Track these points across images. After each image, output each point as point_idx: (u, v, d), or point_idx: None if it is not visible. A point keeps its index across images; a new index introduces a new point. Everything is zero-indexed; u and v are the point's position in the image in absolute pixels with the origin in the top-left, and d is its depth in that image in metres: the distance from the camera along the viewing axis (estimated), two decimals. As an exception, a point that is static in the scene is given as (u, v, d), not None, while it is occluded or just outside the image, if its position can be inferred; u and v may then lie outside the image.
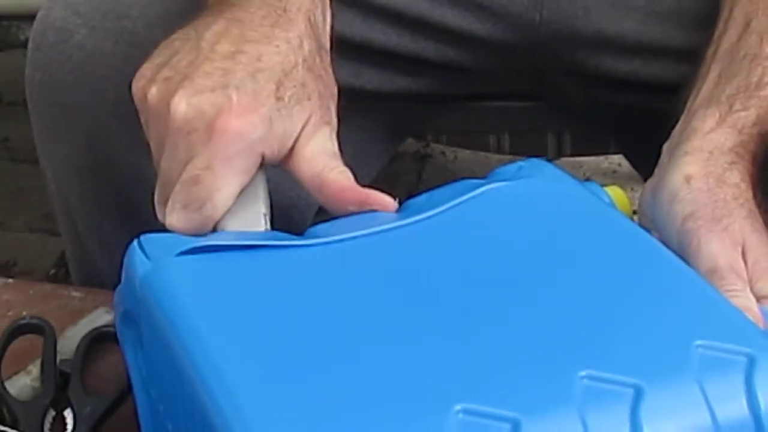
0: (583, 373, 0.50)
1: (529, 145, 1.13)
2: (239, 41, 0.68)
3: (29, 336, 0.73)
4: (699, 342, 0.52)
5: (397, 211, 0.66)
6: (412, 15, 0.88)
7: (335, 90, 0.71)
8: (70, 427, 0.69)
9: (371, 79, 0.90)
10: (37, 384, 0.71)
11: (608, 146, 1.12)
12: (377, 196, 0.66)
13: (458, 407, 0.49)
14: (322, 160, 0.67)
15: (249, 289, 0.58)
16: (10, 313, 0.78)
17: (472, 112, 1.01)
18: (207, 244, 0.60)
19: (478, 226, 0.62)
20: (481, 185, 0.65)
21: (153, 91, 0.66)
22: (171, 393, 0.56)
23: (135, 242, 0.62)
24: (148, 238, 0.62)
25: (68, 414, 0.69)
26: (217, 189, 0.65)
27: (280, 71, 0.67)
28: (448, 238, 0.61)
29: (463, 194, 0.64)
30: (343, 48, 0.86)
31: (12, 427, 0.69)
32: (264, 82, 0.66)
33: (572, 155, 1.17)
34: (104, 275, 0.89)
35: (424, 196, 0.66)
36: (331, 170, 0.67)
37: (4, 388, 0.70)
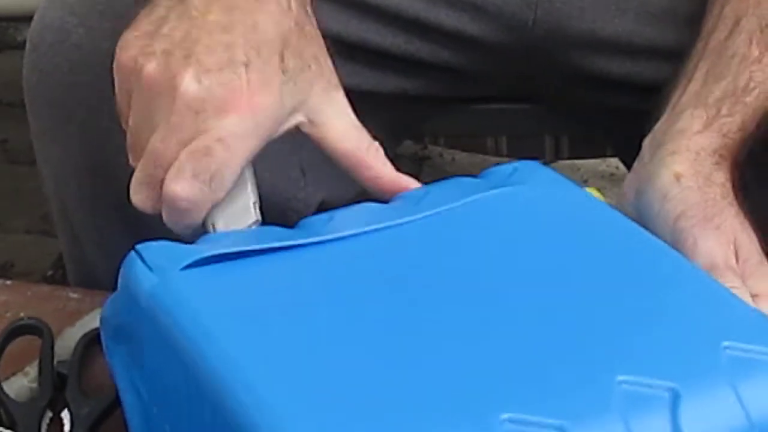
0: (621, 378, 0.51)
1: (526, 147, 1.12)
2: (230, 9, 0.67)
3: (27, 337, 0.73)
4: (726, 343, 0.53)
5: (392, 202, 0.66)
6: (408, 15, 0.88)
7: (324, 44, 0.70)
8: (67, 428, 0.69)
9: (367, 79, 0.90)
10: (35, 385, 0.71)
11: (605, 149, 1.12)
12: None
13: (505, 416, 0.49)
14: (352, 136, 0.68)
15: (262, 297, 0.58)
16: (7, 315, 0.78)
17: (469, 115, 1.01)
18: (212, 254, 0.59)
19: (486, 229, 0.62)
20: (477, 183, 0.65)
21: (153, 66, 0.65)
22: (185, 410, 0.55)
23: (133, 254, 0.60)
24: (147, 248, 0.60)
25: (65, 415, 0.69)
26: (227, 164, 0.64)
27: (278, 41, 0.66)
28: (460, 238, 0.61)
29: (462, 191, 0.64)
30: (338, 48, 0.86)
31: (9, 429, 0.69)
32: (268, 56, 0.65)
33: (570, 158, 1.17)
34: (101, 276, 0.89)
35: (420, 191, 0.66)
36: (368, 151, 0.68)
37: (2, 390, 0.70)
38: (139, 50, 0.65)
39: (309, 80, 0.67)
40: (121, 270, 0.61)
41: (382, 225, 0.62)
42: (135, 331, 0.60)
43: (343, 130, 0.68)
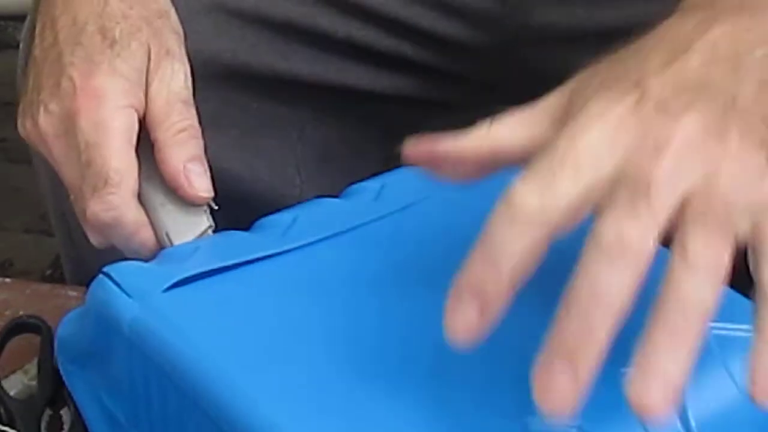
0: (625, 370, 0.51)
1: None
2: (53, 25, 0.68)
3: (26, 335, 0.73)
4: (711, 324, 0.53)
5: (346, 196, 0.65)
6: (386, 13, 0.87)
7: (169, 11, 0.69)
8: (66, 426, 0.69)
9: (361, 77, 0.89)
10: (34, 383, 0.71)
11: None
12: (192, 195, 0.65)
13: (528, 420, 0.49)
14: (166, 108, 0.65)
15: (250, 311, 0.57)
16: (7, 313, 0.78)
17: (468, 115, 1.01)
18: (191, 274, 0.58)
19: (458, 226, 0.62)
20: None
21: (28, 126, 0.67)
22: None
23: (104, 278, 0.59)
24: (118, 270, 0.59)
25: (65, 413, 0.69)
26: (108, 156, 0.63)
27: (96, 16, 0.66)
28: (435, 237, 0.61)
29: (417, 183, 0.63)
30: (327, 44, 0.85)
31: (9, 426, 0.69)
32: (89, 40, 0.65)
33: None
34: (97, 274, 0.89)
35: (375, 183, 0.65)
36: (174, 134, 0.65)
37: (1, 388, 0.70)
38: (21, 117, 0.68)
39: (143, 44, 0.66)
40: (90, 293, 0.60)
41: (351, 225, 0.61)
42: (112, 357, 0.59)
43: (162, 103, 0.66)
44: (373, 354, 0.54)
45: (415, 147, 0.53)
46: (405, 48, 0.88)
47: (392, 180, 0.65)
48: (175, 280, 0.58)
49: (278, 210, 0.85)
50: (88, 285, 0.86)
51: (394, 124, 0.96)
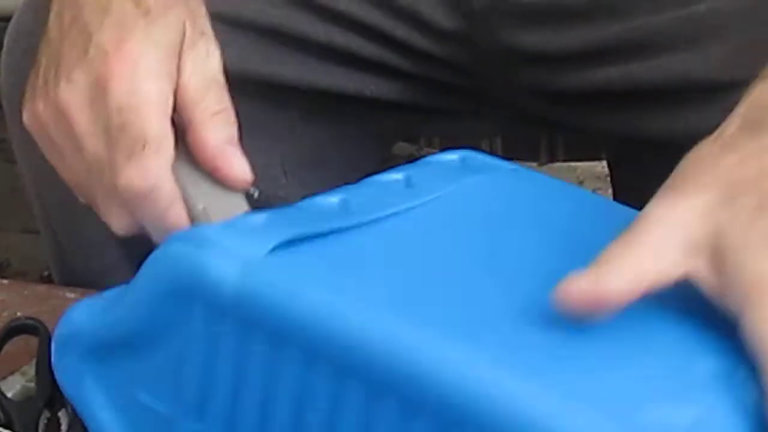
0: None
1: (521, 148, 1.13)
2: (74, 3, 0.64)
3: (24, 336, 0.73)
4: None
5: (369, 186, 0.63)
6: (365, 23, 0.86)
7: None
8: (64, 428, 0.69)
9: (347, 81, 0.89)
10: (32, 384, 0.71)
11: (601, 151, 1.13)
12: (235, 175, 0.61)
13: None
14: (203, 89, 0.62)
15: (365, 269, 0.55)
16: (4, 314, 0.78)
17: (463, 117, 1.01)
18: (293, 237, 0.54)
19: (499, 211, 0.62)
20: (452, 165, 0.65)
21: (40, 108, 0.63)
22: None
23: (180, 244, 0.54)
24: (199, 235, 0.54)
25: (63, 415, 0.70)
26: (146, 119, 0.59)
27: None
28: (499, 209, 0.61)
29: (445, 175, 0.64)
30: (312, 49, 0.86)
31: (7, 428, 0.69)
32: (120, 8, 0.62)
33: (565, 160, 1.17)
34: (82, 275, 0.89)
35: (399, 174, 0.63)
36: (212, 115, 0.62)
37: (-1, 389, 0.71)
38: (29, 102, 0.64)
39: (180, 16, 0.63)
40: (158, 263, 0.55)
41: (409, 205, 0.59)
42: (171, 338, 0.55)
43: (194, 83, 0.62)
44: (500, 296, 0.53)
45: (573, 288, 0.49)
46: (387, 56, 0.88)
47: (412, 172, 0.63)
48: (278, 241, 0.53)
49: (269, 203, 0.84)
50: (74, 284, 0.86)
51: (383, 127, 0.96)
